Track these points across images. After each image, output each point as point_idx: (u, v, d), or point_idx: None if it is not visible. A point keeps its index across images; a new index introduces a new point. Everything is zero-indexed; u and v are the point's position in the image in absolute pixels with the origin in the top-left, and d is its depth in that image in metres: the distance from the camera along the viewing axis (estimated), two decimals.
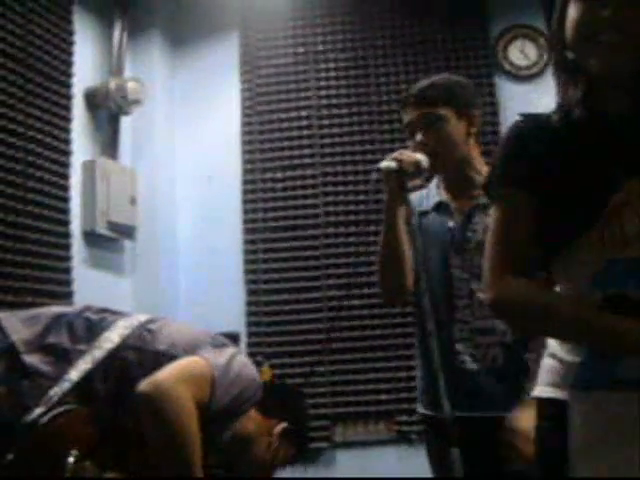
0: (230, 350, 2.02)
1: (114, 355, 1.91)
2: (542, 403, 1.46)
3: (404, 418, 4.45)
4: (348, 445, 4.50)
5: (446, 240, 2.36)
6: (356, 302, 4.59)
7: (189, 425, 1.78)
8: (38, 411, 1.73)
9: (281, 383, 2.48)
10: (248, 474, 2.25)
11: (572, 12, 1.41)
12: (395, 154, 2.28)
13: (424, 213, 2.43)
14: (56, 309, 2.04)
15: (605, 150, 1.38)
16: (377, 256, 2.41)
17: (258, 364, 4.46)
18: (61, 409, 1.75)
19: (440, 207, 2.42)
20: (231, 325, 4.39)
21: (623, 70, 1.38)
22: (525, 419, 2.01)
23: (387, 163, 2.25)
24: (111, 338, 1.93)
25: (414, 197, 2.48)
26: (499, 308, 1.45)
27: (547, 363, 1.47)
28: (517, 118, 1.54)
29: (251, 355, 4.57)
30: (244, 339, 4.51)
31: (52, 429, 1.72)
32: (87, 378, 1.84)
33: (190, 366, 1.88)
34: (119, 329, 1.96)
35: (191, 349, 1.96)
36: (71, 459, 1.72)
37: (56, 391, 1.78)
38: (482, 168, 2.37)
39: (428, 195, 2.48)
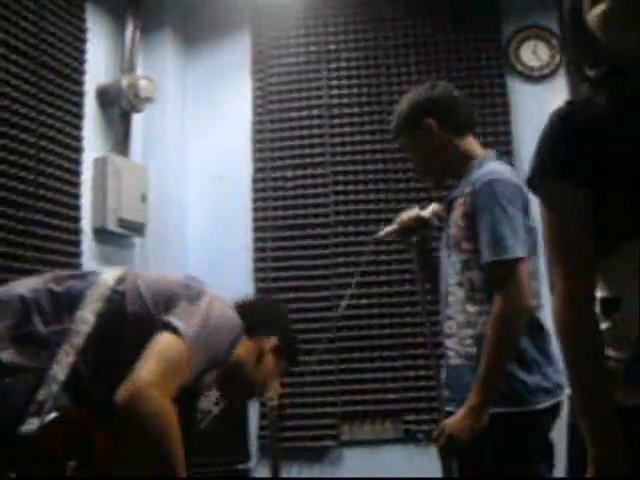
0: (204, 302, 1.90)
1: (92, 337, 1.81)
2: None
3: (412, 417, 4.46)
4: (355, 444, 4.50)
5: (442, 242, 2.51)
6: (364, 301, 4.59)
7: (171, 438, 1.71)
8: (34, 422, 1.65)
9: (259, 298, 2.38)
10: (247, 397, 2.28)
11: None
12: (397, 218, 2.63)
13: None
14: (19, 289, 1.88)
15: None
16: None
17: None
18: (53, 415, 1.68)
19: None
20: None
21: None
22: (457, 419, 2.16)
23: (385, 230, 2.64)
24: (85, 318, 1.83)
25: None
26: (557, 323, 1.40)
27: None
28: (561, 105, 1.43)
29: None
30: None
31: (50, 438, 1.66)
32: (73, 372, 1.76)
33: (165, 354, 1.76)
34: (91, 305, 1.85)
35: (165, 307, 1.86)
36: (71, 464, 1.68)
37: (45, 395, 1.70)
38: (476, 158, 2.42)
39: None
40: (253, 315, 2.17)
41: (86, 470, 1.70)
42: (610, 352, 1.37)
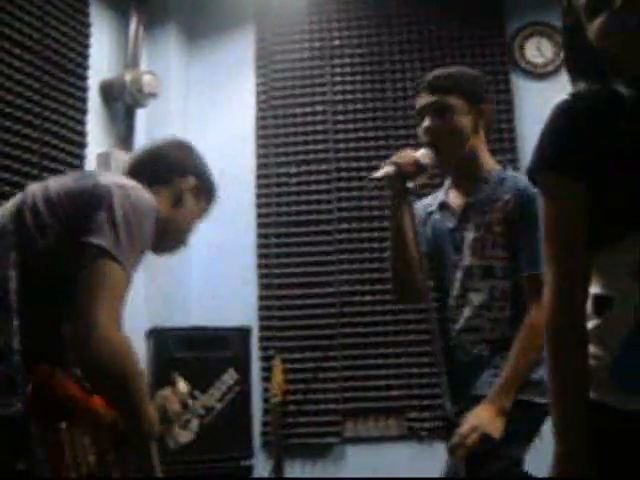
0: (117, 204, 1.75)
1: (21, 291, 1.70)
2: None
3: (415, 414, 4.45)
4: (358, 441, 4.50)
5: (447, 240, 2.38)
6: (368, 298, 4.59)
7: (136, 373, 1.71)
8: (14, 402, 1.60)
9: (166, 142, 2.18)
10: (175, 245, 2.20)
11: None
12: (393, 158, 2.27)
13: (431, 213, 2.45)
14: None
15: None
16: (388, 259, 2.44)
17: (270, 358, 4.48)
18: (29, 388, 1.62)
19: (443, 207, 2.43)
20: (243, 319, 4.39)
21: None
22: (479, 415, 2.09)
23: (384, 169, 2.24)
24: (8, 276, 1.71)
25: (427, 198, 2.51)
26: (547, 326, 1.39)
27: None
28: (564, 97, 1.44)
29: (263, 349, 4.59)
30: (256, 333, 4.50)
31: (34, 410, 1.61)
32: (24, 334, 1.66)
33: (106, 284, 1.67)
34: (7, 260, 1.72)
35: (80, 226, 1.72)
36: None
37: (10, 369, 1.63)
38: (488, 165, 2.37)
39: (437, 195, 2.49)
40: (166, 159, 2.11)
41: (75, 427, 1.67)
42: (595, 350, 1.36)
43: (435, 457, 4.56)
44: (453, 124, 2.29)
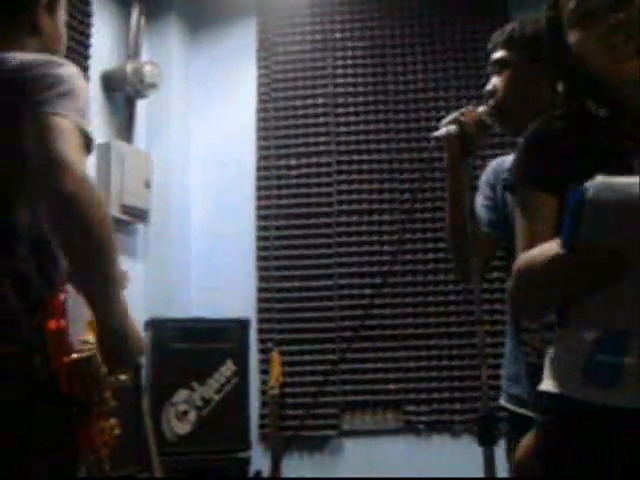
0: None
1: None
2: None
3: (412, 408, 4.46)
4: (356, 434, 4.50)
5: None
6: (367, 290, 4.59)
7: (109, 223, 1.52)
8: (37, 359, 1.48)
9: None
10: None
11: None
12: (455, 114, 2.07)
13: (505, 180, 2.11)
14: None
15: (629, 148, 1.37)
16: (445, 232, 2.23)
17: (268, 350, 4.49)
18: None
19: None
20: (242, 311, 4.39)
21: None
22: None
23: (446, 128, 2.04)
24: None
25: (496, 161, 2.26)
26: (511, 298, 1.49)
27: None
28: (538, 119, 1.52)
29: (261, 341, 4.59)
30: (254, 325, 4.51)
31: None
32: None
33: (69, 135, 1.48)
34: None
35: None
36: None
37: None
38: None
39: (508, 158, 2.17)
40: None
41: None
42: (565, 352, 1.42)
43: (432, 450, 4.61)
44: (519, 83, 2.06)
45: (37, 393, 1.49)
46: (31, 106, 1.53)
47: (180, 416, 3.94)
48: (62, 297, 1.54)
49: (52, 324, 1.49)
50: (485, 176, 2.24)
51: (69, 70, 1.63)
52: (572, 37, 1.44)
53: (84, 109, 1.60)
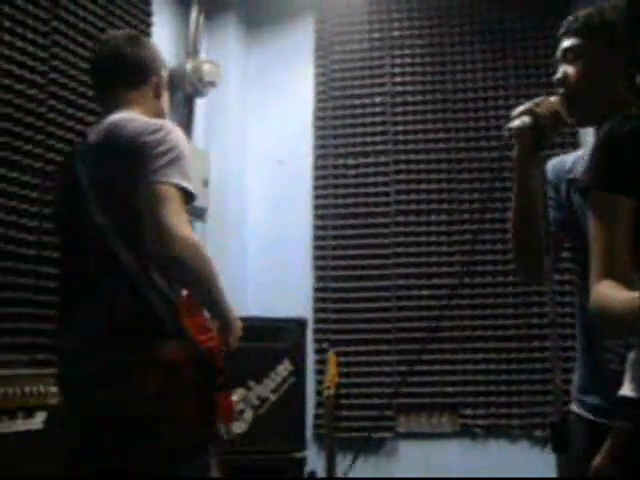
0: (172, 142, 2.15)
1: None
2: None
3: (469, 412, 4.40)
4: (411, 436, 4.47)
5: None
6: (424, 292, 4.54)
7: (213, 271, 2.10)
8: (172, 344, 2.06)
9: (128, 45, 2.37)
10: None
11: None
12: (528, 104, 1.97)
13: (571, 180, 2.04)
14: None
15: None
16: (510, 231, 2.13)
17: (324, 351, 4.47)
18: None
19: None
20: (298, 311, 4.38)
21: None
22: None
23: (520, 119, 1.94)
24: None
25: (562, 158, 2.15)
26: (592, 314, 1.46)
27: None
28: (611, 120, 1.52)
29: (317, 342, 4.58)
30: (311, 325, 4.49)
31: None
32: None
33: (173, 200, 2.04)
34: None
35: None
36: None
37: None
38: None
39: (577, 154, 2.11)
40: (139, 58, 2.31)
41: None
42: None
43: (488, 455, 4.54)
44: (591, 71, 1.94)
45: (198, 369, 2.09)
46: (144, 173, 2.03)
47: (236, 415, 3.94)
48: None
49: (187, 322, 2.08)
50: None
51: (178, 135, 2.14)
52: None
53: (187, 170, 2.11)
